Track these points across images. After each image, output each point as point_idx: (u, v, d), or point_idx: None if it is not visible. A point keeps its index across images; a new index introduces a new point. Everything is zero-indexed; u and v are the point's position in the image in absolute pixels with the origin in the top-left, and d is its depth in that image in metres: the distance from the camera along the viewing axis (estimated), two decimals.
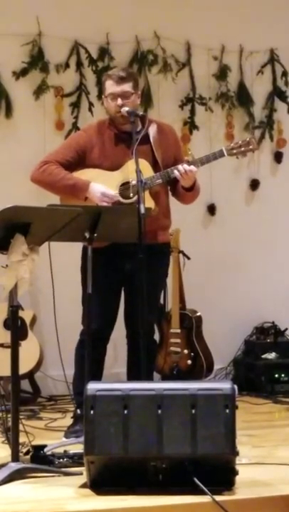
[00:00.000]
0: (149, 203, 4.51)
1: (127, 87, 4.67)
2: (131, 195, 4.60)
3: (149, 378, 4.25)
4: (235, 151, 4.67)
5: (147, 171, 4.54)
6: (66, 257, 4.87)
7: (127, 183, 4.63)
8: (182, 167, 4.58)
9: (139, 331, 4.26)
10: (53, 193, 4.72)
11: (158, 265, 4.70)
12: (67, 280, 4.76)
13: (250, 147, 4.66)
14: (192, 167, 4.58)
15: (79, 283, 4.70)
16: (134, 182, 4.51)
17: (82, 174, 4.67)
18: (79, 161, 4.69)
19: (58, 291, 4.67)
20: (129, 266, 4.60)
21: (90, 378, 4.14)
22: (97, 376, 4.59)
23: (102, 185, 4.59)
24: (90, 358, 4.38)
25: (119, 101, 4.62)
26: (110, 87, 4.66)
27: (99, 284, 4.46)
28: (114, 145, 4.71)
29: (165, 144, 4.73)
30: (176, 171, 4.59)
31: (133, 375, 4.68)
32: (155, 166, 4.65)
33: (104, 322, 4.70)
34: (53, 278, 4.37)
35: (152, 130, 4.71)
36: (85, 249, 4.63)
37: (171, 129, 4.93)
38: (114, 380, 4.43)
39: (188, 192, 4.72)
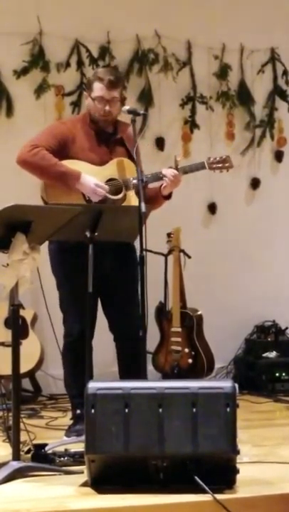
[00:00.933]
0: (135, 202, 4.51)
1: (116, 93, 4.67)
2: (128, 192, 4.60)
3: (144, 376, 4.23)
4: (214, 166, 4.87)
5: (133, 170, 4.54)
6: None
7: (112, 179, 4.64)
8: (171, 171, 4.64)
9: (127, 332, 4.30)
10: (40, 178, 4.64)
11: (126, 259, 4.65)
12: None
13: (226, 165, 4.91)
14: (178, 173, 4.66)
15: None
16: (134, 181, 4.53)
17: (70, 164, 4.61)
18: (59, 151, 4.62)
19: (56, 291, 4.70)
20: (107, 264, 4.57)
21: (88, 377, 4.13)
22: (90, 376, 4.56)
23: (93, 177, 4.58)
24: (90, 358, 4.37)
25: (107, 107, 4.63)
26: (100, 90, 4.64)
27: (74, 284, 4.45)
28: (95, 143, 4.70)
29: (130, 144, 4.70)
30: (164, 172, 4.64)
31: (123, 374, 4.68)
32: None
33: (86, 323, 4.64)
34: (41, 278, 4.34)
35: (126, 134, 4.72)
36: (52, 250, 4.63)
37: (128, 125, 4.88)
38: (114, 379, 4.43)
39: (164, 199, 4.74)
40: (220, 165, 4.87)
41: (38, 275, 4.14)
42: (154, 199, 4.71)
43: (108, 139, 4.71)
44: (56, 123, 5.07)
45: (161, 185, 4.69)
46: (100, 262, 4.42)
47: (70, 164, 4.60)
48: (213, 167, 4.85)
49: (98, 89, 4.65)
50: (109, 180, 4.65)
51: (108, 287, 4.65)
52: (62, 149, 4.63)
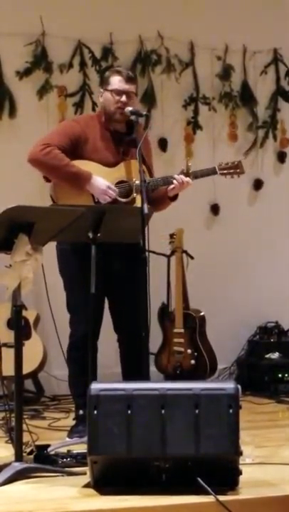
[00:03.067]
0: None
1: (133, 88, 4.72)
2: (135, 195, 4.60)
3: (147, 377, 4.24)
4: (225, 171, 4.87)
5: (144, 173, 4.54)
6: None
7: (122, 182, 4.63)
8: (180, 177, 4.65)
9: (131, 333, 4.34)
10: (51, 177, 4.64)
11: (136, 260, 4.64)
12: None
13: (238, 170, 4.91)
14: (189, 180, 4.67)
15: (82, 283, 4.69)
16: (137, 182, 4.53)
17: (81, 165, 4.60)
18: (72, 150, 4.61)
19: (62, 291, 4.70)
20: (114, 266, 4.58)
21: (91, 378, 4.14)
22: (94, 375, 4.57)
23: (104, 180, 4.58)
24: (92, 359, 4.38)
25: (124, 98, 4.63)
26: (118, 82, 4.66)
27: (81, 285, 4.45)
28: (107, 143, 4.69)
29: (145, 150, 4.71)
30: (175, 176, 4.64)
31: (127, 376, 4.68)
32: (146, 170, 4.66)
33: (92, 323, 4.65)
34: (45, 278, 4.34)
35: (140, 137, 4.71)
36: (60, 251, 4.63)
37: (147, 137, 4.90)
38: (117, 380, 4.43)
39: (171, 201, 4.74)
40: (231, 170, 4.88)
41: (44, 276, 4.15)
42: (161, 200, 4.72)
43: (121, 139, 4.69)
44: (69, 121, 5.02)
45: (167, 187, 4.69)
46: (108, 263, 4.43)
47: (81, 165, 4.59)
48: (224, 172, 4.86)
49: (116, 81, 4.67)
50: (119, 183, 4.64)
51: (115, 288, 4.65)
52: (75, 149, 4.63)
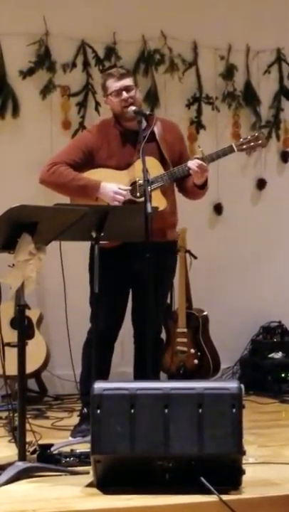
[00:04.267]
0: (160, 201, 4.52)
1: (128, 81, 4.70)
2: (138, 194, 4.60)
3: (156, 378, 4.25)
4: (244, 147, 4.70)
5: (156, 169, 4.55)
6: (74, 256, 4.85)
7: (136, 182, 4.63)
8: (193, 162, 4.56)
9: (146, 330, 4.28)
10: (63, 195, 4.70)
11: (166, 263, 4.70)
12: (75, 279, 4.76)
13: (259, 142, 4.70)
14: (201, 162, 4.57)
15: (87, 282, 4.70)
16: (140, 181, 4.52)
17: (91, 174, 4.66)
18: (86, 161, 4.68)
19: (66, 291, 4.69)
20: (137, 265, 4.59)
21: (97, 377, 4.13)
22: (104, 376, 4.59)
23: (113, 184, 4.59)
24: (96, 357, 4.37)
25: (125, 94, 4.63)
26: (112, 84, 4.67)
27: (107, 284, 4.45)
28: (121, 144, 4.71)
29: (171, 141, 4.73)
30: (188, 167, 4.57)
31: (140, 374, 4.68)
32: (163, 163, 4.66)
33: (112, 322, 4.70)
34: (64, 277, 4.35)
35: (158, 128, 4.72)
36: (93, 249, 4.63)
37: (175, 125, 4.94)
38: (120, 379, 4.43)
39: (200, 190, 4.72)
40: (251, 144, 4.68)
41: (63, 276, 4.16)
42: (192, 192, 4.74)
43: (135, 137, 4.61)
44: (82, 133, 5.16)
45: (192, 178, 4.65)
46: (138, 260, 4.43)
47: (92, 174, 4.64)
48: (243, 148, 4.69)
49: (111, 83, 4.68)
50: (133, 184, 4.64)
51: (141, 286, 4.61)
52: (89, 159, 4.68)
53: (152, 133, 4.65)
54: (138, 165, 4.55)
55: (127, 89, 4.66)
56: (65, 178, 4.61)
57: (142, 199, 4.57)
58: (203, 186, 4.71)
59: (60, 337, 4.68)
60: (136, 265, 4.58)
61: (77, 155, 4.68)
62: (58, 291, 4.62)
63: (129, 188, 4.62)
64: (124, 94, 4.64)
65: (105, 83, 4.72)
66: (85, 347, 4.74)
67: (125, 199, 4.59)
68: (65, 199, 4.74)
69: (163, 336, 5.99)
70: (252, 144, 4.69)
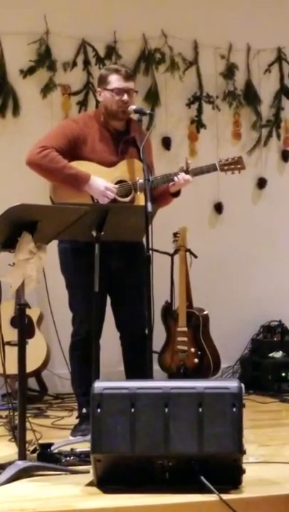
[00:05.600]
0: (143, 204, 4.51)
1: (133, 85, 4.69)
2: (138, 193, 4.60)
3: (150, 375, 4.23)
4: (226, 168, 4.85)
5: (139, 172, 4.53)
6: None
7: (122, 181, 4.63)
8: (181, 176, 4.63)
9: (133, 331, 4.31)
10: (49, 180, 4.62)
11: (138, 259, 4.64)
12: None
13: (238, 166, 4.88)
14: (189, 176, 4.65)
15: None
16: (141, 181, 4.52)
17: (79, 165, 4.60)
18: (70, 150, 4.60)
19: (64, 290, 4.69)
20: (115, 264, 4.58)
21: (94, 376, 4.13)
22: (97, 375, 4.57)
23: (103, 180, 4.58)
24: (86, 358, 4.37)
25: (126, 96, 4.61)
26: (117, 81, 4.64)
27: (82, 283, 4.45)
28: (105, 142, 4.68)
29: (146, 149, 4.67)
30: (176, 178, 4.63)
31: (131, 375, 4.68)
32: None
33: (92, 322, 4.64)
34: (46, 278, 4.33)
35: (137, 133, 4.70)
36: (61, 250, 4.63)
37: (147, 134, 4.88)
38: (120, 379, 4.43)
39: (172, 197, 4.74)
40: (232, 166, 4.84)
41: (44, 275, 4.15)
42: (162, 197, 4.72)
43: (120, 138, 4.68)
44: (68, 121, 5.00)
45: (168, 184, 4.68)
46: (108, 261, 4.42)
47: (79, 165, 4.59)
48: (224, 169, 4.83)
49: (116, 80, 4.64)
50: (118, 182, 4.64)
51: (117, 286, 4.66)
52: (73, 149, 4.61)
53: (134, 137, 4.65)
54: (124, 164, 4.62)
55: (129, 92, 4.64)
56: (56, 164, 4.53)
57: (126, 199, 4.59)
58: (177, 194, 4.74)
59: (60, 336, 4.68)
60: (114, 264, 4.56)
61: (64, 142, 4.60)
62: (58, 290, 4.62)
63: (117, 186, 4.61)
64: (126, 96, 4.62)
65: (108, 77, 4.67)
66: (70, 350, 4.72)
67: (112, 197, 4.58)
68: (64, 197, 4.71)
69: (162, 334, 6.02)
70: (232, 166, 4.85)
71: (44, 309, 5.96)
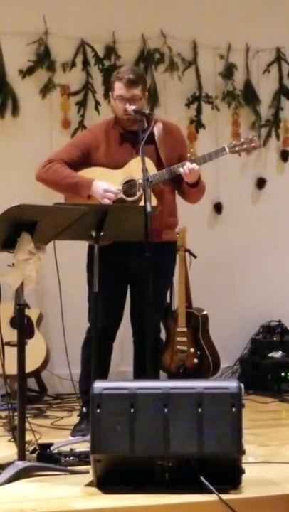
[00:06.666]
0: (152, 201, 4.51)
1: (137, 91, 4.65)
2: (138, 193, 4.60)
3: (156, 377, 4.25)
4: (237, 149, 4.68)
5: (150, 169, 4.53)
6: (72, 256, 4.86)
7: (130, 180, 4.64)
8: (185, 166, 4.59)
9: (145, 331, 4.28)
10: (58, 192, 4.73)
11: (164, 264, 4.69)
12: (73, 279, 4.77)
13: (253, 145, 4.67)
14: (194, 165, 4.59)
15: (85, 281, 4.71)
16: (140, 180, 4.53)
17: (87, 173, 4.67)
18: (84, 159, 4.68)
19: (64, 290, 4.68)
20: (134, 264, 4.60)
21: (96, 377, 4.13)
22: (103, 375, 4.59)
23: (104, 183, 4.59)
24: (96, 357, 4.38)
25: (127, 105, 4.61)
26: (119, 89, 4.64)
27: (104, 282, 4.45)
28: (120, 144, 4.71)
29: (170, 143, 4.72)
30: (180, 169, 4.60)
31: (139, 375, 4.68)
32: (159, 165, 4.65)
33: (110, 322, 4.70)
34: (59, 277, 4.35)
35: (157, 129, 4.71)
36: (91, 248, 4.64)
37: (177, 128, 4.93)
38: (120, 379, 4.43)
39: (192, 188, 4.70)
40: (244, 146, 4.66)
41: (58, 275, 4.16)
42: (187, 192, 4.73)
43: (134, 138, 4.65)
44: (83, 131, 5.24)
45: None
46: (134, 258, 4.43)
47: (88, 172, 4.65)
48: (236, 150, 4.67)
49: (118, 88, 4.65)
50: (126, 182, 4.64)
51: (138, 285, 4.62)
52: (86, 158, 4.69)
53: (151, 134, 4.64)
54: (133, 163, 4.60)
55: (132, 99, 4.62)
56: (59, 175, 4.62)
57: (132, 198, 4.60)
58: (196, 185, 4.70)
59: (60, 336, 4.67)
60: (133, 264, 4.59)
61: (75, 153, 4.68)
62: (57, 290, 4.61)
63: (120, 188, 4.61)
64: (128, 105, 4.61)
65: (113, 84, 4.69)
66: (83, 347, 4.75)
67: (116, 198, 4.59)
68: (62, 197, 4.74)
69: (163, 335, 6.01)
70: (245, 146, 4.66)
71: (45, 309, 5.97)
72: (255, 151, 4.74)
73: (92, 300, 4.40)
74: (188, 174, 4.60)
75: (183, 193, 4.79)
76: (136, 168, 4.50)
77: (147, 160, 4.51)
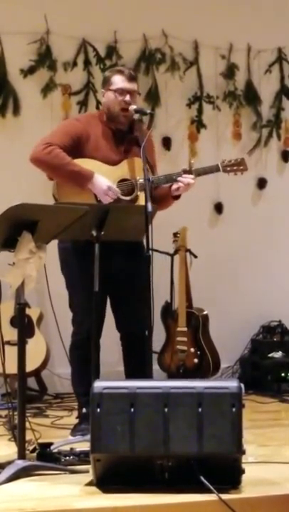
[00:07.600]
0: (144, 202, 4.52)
1: (136, 86, 4.71)
2: (139, 193, 4.61)
3: (150, 375, 4.23)
4: (228, 169, 4.87)
5: (141, 171, 4.53)
6: None
7: (125, 180, 4.63)
8: (186, 179, 4.65)
9: (134, 331, 4.31)
10: (53, 176, 4.63)
11: (138, 259, 4.62)
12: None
13: (241, 168, 4.90)
14: (191, 180, 4.66)
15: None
16: (141, 180, 4.53)
17: (83, 163, 4.60)
18: (74, 149, 4.61)
19: (64, 290, 4.69)
20: (116, 264, 4.57)
21: (95, 377, 4.13)
22: (97, 375, 4.57)
23: (106, 179, 4.58)
24: (86, 358, 4.37)
25: (128, 97, 4.62)
26: (121, 82, 4.65)
27: (82, 283, 4.45)
28: (106, 141, 4.69)
29: (149, 150, 4.68)
30: (181, 179, 4.65)
31: (130, 375, 4.68)
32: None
33: (93, 322, 4.64)
34: (47, 277, 4.32)
35: (139, 132, 4.69)
36: (62, 250, 4.63)
37: (150, 135, 4.88)
38: (120, 378, 4.43)
39: (172, 199, 4.74)
40: (234, 167, 4.87)
41: (45, 274, 4.15)
42: (164, 199, 4.72)
43: (123, 138, 4.69)
44: (71, 120, 5.03)
45: (170, 186, 4.69)
46: (108, 261, 4.42)
47: (83, 163, 4.59)
48: (227, 170, 4.86)
49: (119, 81, 4.66)
50: (121, 181, 4.65)
51: (117, 287, 4.65)
52: (76, 147, 4.62)
53: (136, 137, 4.65)
54: (125, 164, 4.63)
55: (132, 93, 4.65)
56: (61, 160, 4.53)
57: (128, 198, 4.60)
58: (178, 197, 4.75)
59: (62, 335, 4.67)
60: (115, 263, 4.56)
61: (67, 141, 4.61)
62: (58, 290, 4.61)
63: (118, 189, 4.62)
64: (128, 97, 4.63)
65: (111, 78, 4.70)
66: (71, 350, 4.72)
67: (116, 196, 4.59)
68: (46, 186, 4.70)
69: (162, 334, 6.02)
70: (235, 167, 4.87)
71: (45, 309, 5.97)
72: (241, 174, 4.87)
73: (93, 299, 4.37)
74: (184, 187, 4.65)
75: (160, 199, 4.70)
76: (130, 168, 4.52)
77: (140, 162, 4.52)
